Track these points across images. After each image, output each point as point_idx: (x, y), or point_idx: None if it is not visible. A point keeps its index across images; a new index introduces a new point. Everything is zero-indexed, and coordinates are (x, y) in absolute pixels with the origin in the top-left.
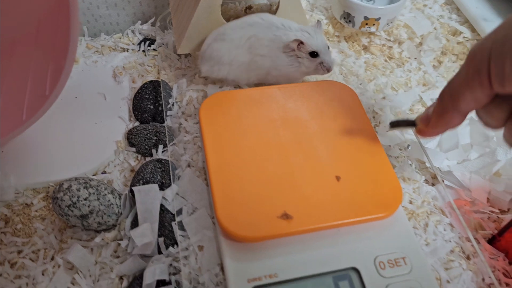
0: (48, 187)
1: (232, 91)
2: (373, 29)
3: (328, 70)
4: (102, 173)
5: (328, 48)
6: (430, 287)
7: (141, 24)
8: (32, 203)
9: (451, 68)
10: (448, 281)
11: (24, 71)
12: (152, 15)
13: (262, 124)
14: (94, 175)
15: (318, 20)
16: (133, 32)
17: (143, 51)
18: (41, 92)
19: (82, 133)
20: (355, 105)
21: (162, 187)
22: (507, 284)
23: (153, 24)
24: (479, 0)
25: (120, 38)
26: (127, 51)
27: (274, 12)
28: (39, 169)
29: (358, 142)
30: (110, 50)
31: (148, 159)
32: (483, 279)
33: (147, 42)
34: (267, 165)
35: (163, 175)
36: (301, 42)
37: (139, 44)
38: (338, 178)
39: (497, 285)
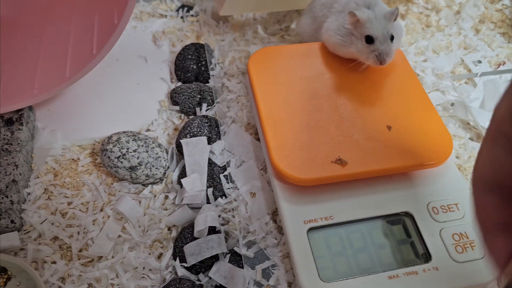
0: (94, 144)
1: (279, 46)
2: None
3: (381, 62)
4: (146, 131)
5: (392, 40)
6: None
7: None
8: (78, 158)
9: (489, 35)
10: None
11: (69, 25)
12: None
13: (310, 77)
14: (138, 132)
15: (396, 7)
16: None
17: (181, 17)
18: (87, 50)
19: (125, 93)
20: (402, 63)
21: (210, 141)
22: None
23: None
24: None
25: (159, 5)
26: (165, 17)
27: None
28: (85, 126)
29: (407, 95)
30: (148, 16)
31: (191, 117)
32: None
33: (185, 8)
34: (319, 114)
35: (209, 130)
36: (358, 20)
37: (177, 10)
38: (389, 127)
39: None
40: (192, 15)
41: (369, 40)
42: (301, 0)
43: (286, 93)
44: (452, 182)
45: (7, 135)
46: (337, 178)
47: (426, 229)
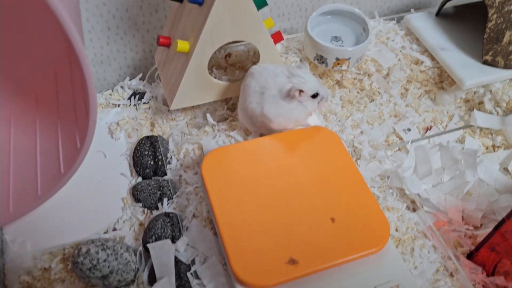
0: (64, 249)
1: (228, 147)
2: (344, 67)
3: (322, 107)
4: (113, 230)
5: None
6: None
7: (130, 80)
8: (50, 267)
9: (417, 94)
10: None
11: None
12: (139, 69)
13: (259, 174)
14: (105, 232)
15: (301, 59)
16: (122, 87)
17: (134, 105)
18: (56, 169)
19: (89, 193)
20: (338, 147)
21: (173, 239)
22: None
23: (141, 79)
24: (435, 30)
25: (111, 95)
26: (119, 106)
27: (252, 59)
28: (53, 233)
29: (346, 183)
30: (102, 107)
31: (154, 212)
32: None
33: (137, 96)
34: (269, 213)
35: (172, 228)
36: (301, 90)
37: (129, 98)
38: (333, 219)
39: None
40: (144, 103)
41: (315, 96)
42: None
43: (238, 195)
44: (393, 263)
45: None
46: (291, 278)
47: None
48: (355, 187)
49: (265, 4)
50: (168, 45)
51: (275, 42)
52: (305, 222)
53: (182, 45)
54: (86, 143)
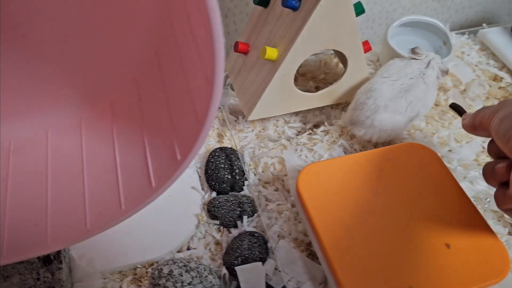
0: (135, 269)
1: (323, 162)
2: None
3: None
4: (187, 249)
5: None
6: None
7: None
8: (121, 287)
9: None
10: None
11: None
12: None
13: (361, 193)
14: (179, 251)
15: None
16: None
17: None
18: (142, 183)
19: (158, 208)
20: (440, 167)
21: (262, 262)
22: None
23: None
24: None
25: None
26: None
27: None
28: (122, 250)
29: (455, 206)
30: None
31: (232, 230)
32: None
33: None
34: (378, 236)
35: (260, 250)
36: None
37: None
38: (448, 245)
39: None
40: None
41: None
42: (326, 98)
43: (341, 215)
44: None
45: (47, 277)
46: None
47: None
48: (465, 211)
49: (363, 11)
50: (246, 52)
51: (365, 51)
52: (419, 248)
53: (271, 52)
54: (191, 154)
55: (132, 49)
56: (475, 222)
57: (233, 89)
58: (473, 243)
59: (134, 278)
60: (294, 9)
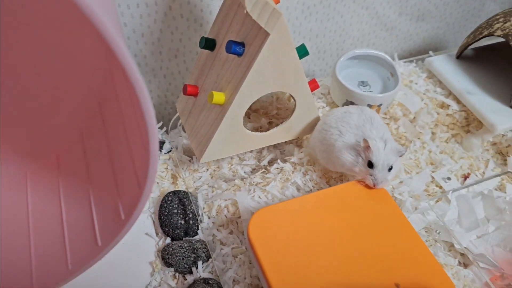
0: None
1: (273, 206)
2: None
3: (375, 185)
4: None
5: (390, 170)
6: None
7: None
8: None
9: (443, 138)
10: None
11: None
12: (156, 118)
13: (313, 235)
14: None
15: (407, 148)
16: None
17: None
18: (90, 243)
19: (111, 257)
20: (388, 203)
21: None
22: None
23: (161, 127)
24: (458, 73)
25: None
26: None
27: (276, 105)
28: None
29: (404, 243)
30: None
31: (188, 277)
32: None
33: None
34: (330, 279)
35: None
36: (368, 146)
37: None
38: (397, 286)
39: None
40: (164, 153)
41: (370, 165)
42: (277, 136)
43: (292, 259)
44: None
45: None
46: None
47: None
48: (414, 248)
49: (307, 53)
50: (195, 95)
51: (312, 90)
52: None
53: (218, 97)
54: (134, 214)
55: (76, 100)
56: (424, 259)
57: (184, 130)
58: (423, 282)
59: None
60: (239, 55)
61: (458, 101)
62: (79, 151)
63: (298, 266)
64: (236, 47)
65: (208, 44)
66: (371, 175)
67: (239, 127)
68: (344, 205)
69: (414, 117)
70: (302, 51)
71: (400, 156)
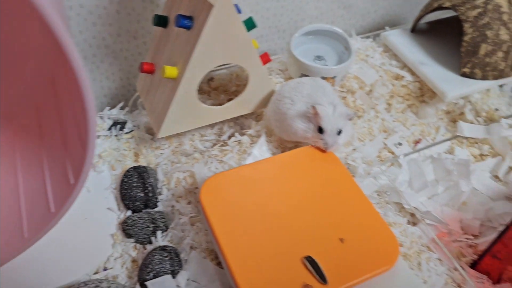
0: None
1: (225, 172)
2: None
3: (324, 150)
4: (104, 269)
5: (339, 133)
6: None
7: (110, 109)
8: None
9: (399, 108)
10: None
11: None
12: (116, 98)
13: (262, 198)
14: (96, 273)
15: (354, 112)
16: (101, 118)
17: (116, 135)
18: (43, 209)
19: (74, 231)
20: (337, 166)
21: (173, 274)
22: None
23: (122, 108)
24: (412, 46)
25: None
26: (99, 137)
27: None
28: (39, 277)
29: (350, 201)
30: None
31: (148, 246)
32: None
33: (118, 126)
34: (277, 238)
35: (171, 263)
36: (317, 113)
37: (110, 129)
38: (342, 240)
39: None
40: (126, 132)
41: (320, 130)
42: (233, 110)
43: (241, 221)
44: (405, 280)
45: None
46: None
47: None
48: (359, 206)
49: (254, 26)
50: (152, 72)
51: (264, 63)
52: (314, 245)
53: (170, 71)
54: (82, 177)
55: (30, 74)
56: (368, 216)
57: (144, 108)
58: (366, 236)
59: None
60: (187, 28)
61: (412, 73)
62: (35, 124)
63: (248, 227)
64: (184, 21)
65: (161, 21)
66: (322, 140)
67: (193, 101)
68: (294, 169)
69: (370, 90)
70: (249, 24)
71: (350, 119)
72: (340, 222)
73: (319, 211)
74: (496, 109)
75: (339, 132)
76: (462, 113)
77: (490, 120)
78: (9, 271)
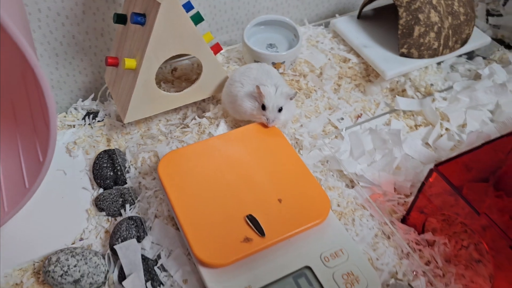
0: (34, 264)
1: (180, 149)
2: (280, 70)
3: (268, 124)
4: (80, 240)
5: (280, 111)
6: (364, 266)
7: (83, 101)
8: (22, 282)
9: (348, 88)
10: (377, 259)
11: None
12: (89, 90)
13: (212, 170)
14: (73, 243)
15: (296, 91)
16: (75, 109)
17: (89, 124)
18: (20, 186)
19: (53, 209)
20: (280, 140)
21: (139, 239)
22: (420, 250)
23: (94, 99)
24: (357, 31)
25: (65, 117)
26: (74, 127)
27: (197, 71)
28: (22, 250)
29: (290, 169)
30: (58, 129)
31: (118, 218)
32: (402, 251)
33: (91, 116)
34: (223, 202)
35: (137, 229)
36: (261, 92)
37: (84, 118)
38: (280, 200)
39: (412, 253)
40: (99, 121)
41: (264, 107)
42: (190, 96)
43: (194, 190)
44: (336, 232)
45: None
46: (247, 254)
47: (322, 276)
48: (298, 172)
49: (202, 19)
50: (116, 65)
51: (215, 53)
52: (256, 206)
53: (129, 62)
54: (48, 155)
55: (6, 74)
56: (305, 180)
57: (112, 98)
58: (301, 196)
59: (34, 272)
60: (142, 24)
61: (358, 55)
62: (11, 113)
63: (199, 195)
64: (137, 18)
65: (120, 19)
66: (264, 116)
67: (153, 88)
68: (242, 143)
69: (321, 72)
70: (196, 19)
71: (291, 99)
72: (279, 185)
73: (261, 177)
74: (431, 84)
75: (280, 110)
76: (404, 90)
77: (428, 94)
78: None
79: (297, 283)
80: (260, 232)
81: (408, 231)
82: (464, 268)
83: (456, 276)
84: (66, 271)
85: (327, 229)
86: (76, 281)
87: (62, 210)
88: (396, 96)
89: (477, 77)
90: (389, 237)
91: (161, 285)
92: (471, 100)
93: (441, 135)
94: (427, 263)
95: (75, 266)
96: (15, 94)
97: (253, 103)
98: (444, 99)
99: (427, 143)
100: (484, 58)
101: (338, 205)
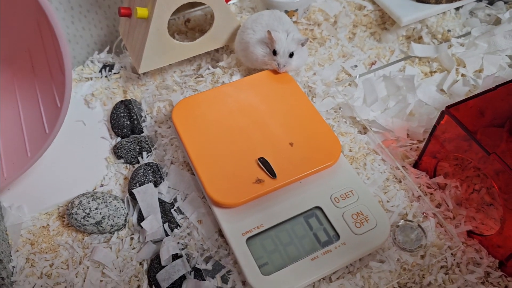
0: (59, 208)
1: (194, 96)
2: (294, 18)
3: (277, 70)
4: (100, 186)
5: (291, 56)
6: (374, 207)
7: (98, 54)
8: (48, 224)
9: (363, 37)
10: (387, 201)
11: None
12: (105, 44)
13: (225, 116)
14: (94, 189)
15: (307, 38)
16: (92, 62)
17: (106, 76)
18: (40, 131)
19: (74, 158)
20: (293, 87)
21: (156, 184)
22: (431, 194)
23: (109, 52)
24: None
25: (82, 70)
26: (91, 79)
27: (210, 22)
28: (46, 196)
29: (302, 115)
30: (76, 82)
31: (136, 165)
32: (413, 194)
33: (107, 68)
34: (236, 146)
35: (154, 175)
36: (272, 37)
37: (100, 71)
38: (291, 144)
39: (423, 196)
40: (115, 73)
41: (275, 53)
42: (203, 45)
43: (207, 135)
44: (346, 174)
45: None
46: (259, 195)
47: (332, 216)
48: (309, 117)
49: None
50: (129, 15)
51: (227, 1)
52: (268, 149)
53: (141, 11)
54: (65, 100)
55: (21, 21)
56: (316, 124)
57: (127, 50)
58: (313, 140)
59: (59, 215)
60: None
61: (373, 2)
62: (28, 62)
63: (213, 139)
64: None
65: None
66: (275, 61)
67: (166, 38)
68: (254, 90)
69: (335, 21)
70: None
71: (302, 44)
72: (291, 130)
73: (273, 122)
74: (449, 30)
75: (291, 55)
76: (420, 37)
77: (445, 41)
78: (22, 191)
79: (308, 223)
80: (272, 173)
81: (420, 175)
82: (475, 211)
83: (466, 218)
84: (88, 213)
85: (338, 172)
86: (98, 223)
87: (83, 159)
88: (412, 42)
89: (497, 22)
90: (400, 181)
91: (178, 227)
92: (490, 45)
93: (456, 81)
94: (438, 205)
95: (96, 208)
96: (31, 42)
97: (265, 49)
98: (462, 45)
99: (441, 90)
100: (505, 2)
101: (350, 150)
